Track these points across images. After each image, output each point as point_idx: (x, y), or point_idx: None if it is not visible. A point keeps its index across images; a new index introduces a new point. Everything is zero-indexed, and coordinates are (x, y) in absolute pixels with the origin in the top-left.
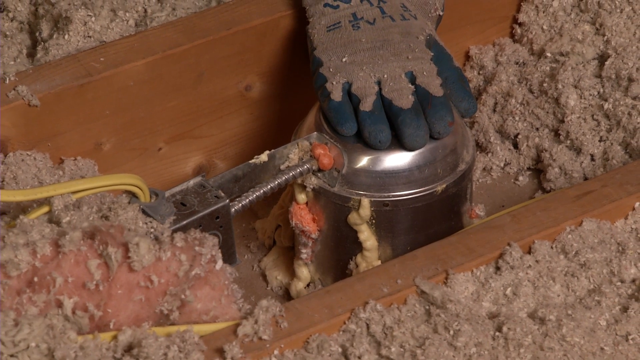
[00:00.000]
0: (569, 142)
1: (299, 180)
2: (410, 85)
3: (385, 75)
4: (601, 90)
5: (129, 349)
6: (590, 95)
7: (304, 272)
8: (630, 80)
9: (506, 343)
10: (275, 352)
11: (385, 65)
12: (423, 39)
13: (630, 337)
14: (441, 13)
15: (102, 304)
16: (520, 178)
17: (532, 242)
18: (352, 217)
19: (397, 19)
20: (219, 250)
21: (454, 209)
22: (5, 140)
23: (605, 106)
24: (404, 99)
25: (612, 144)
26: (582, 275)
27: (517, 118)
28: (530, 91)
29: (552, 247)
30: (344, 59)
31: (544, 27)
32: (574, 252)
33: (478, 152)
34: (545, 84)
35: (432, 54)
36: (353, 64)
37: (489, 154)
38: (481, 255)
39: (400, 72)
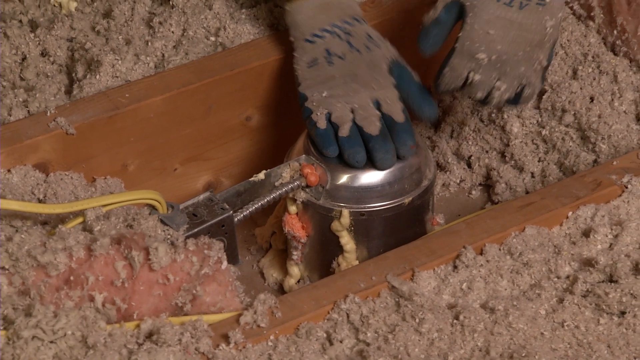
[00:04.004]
0: (513, 162)
1: (291, 195)
2: (377, 112)
3: (356, 105)
4: (540, 119)
5: (149, 335)
6: (531, 123)
7: (295, 271)
8: (564, 111)
9: (462, 329)
10: (271, 337)
11: (356, 96)
12: (386, 67)
13: (565, 324)
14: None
15: (127, 298)
16: (473, 192)
17: (483, 245)
18: (335, 225)
19: (363, 51)
20: (224, 253)
21: (419, 218)
22: (47, 163)
23: (543, 132)
24: (372, 126)
25: (548, 163)
26: (525, 273)
27: (470, 142)
28: (481, 120)
29: (500, 249)
30: (323, 94)
31: None
32: (518, 253)
33: (438, 171)
34: (493, 115)
35: (394, 80)
36: (331, 97)
37: (447, 172)
38: (441, 256)
39: (368, 102)
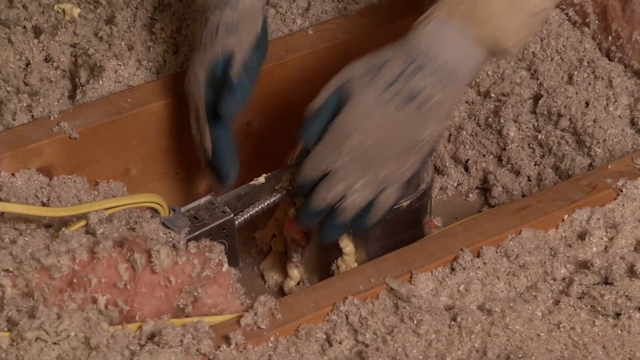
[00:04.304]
0: (509, 166)
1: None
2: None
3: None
4: (536, 123)
5: (151, 336)
6: (527, 127)
7: (295, 273)
8: (559, 115)
9: (460, 330)
10: (272, 338)
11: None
12: None
13: (561, 325)
14: None
15: (129, 300)
16: (470, 195)
17: (480, 247)
18: None
19: None
20: (225, 256)
21: (417, 221)
22: (51, 167)
23: (539, 137)
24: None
25: (544, 167)
26: (522, 275)
27: (467, 146)
28: (478, 125)
29: (496, 252)
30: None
31: (489, 72)
32: (514, 256)
33: (436, 175)
34: (490, 119)
35: None
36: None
37: (445, 176)
38: (439, 258)
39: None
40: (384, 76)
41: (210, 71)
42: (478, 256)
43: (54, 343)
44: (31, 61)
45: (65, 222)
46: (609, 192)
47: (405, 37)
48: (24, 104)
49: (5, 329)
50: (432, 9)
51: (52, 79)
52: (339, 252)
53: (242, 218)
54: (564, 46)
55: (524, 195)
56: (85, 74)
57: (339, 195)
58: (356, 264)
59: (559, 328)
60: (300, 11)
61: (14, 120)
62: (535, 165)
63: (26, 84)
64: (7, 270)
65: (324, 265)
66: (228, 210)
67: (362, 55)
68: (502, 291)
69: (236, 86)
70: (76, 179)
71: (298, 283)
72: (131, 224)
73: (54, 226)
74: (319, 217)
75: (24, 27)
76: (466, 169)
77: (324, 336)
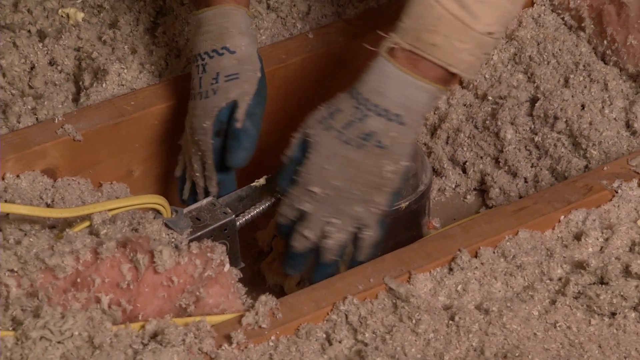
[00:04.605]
0: (506, 167)
1: None
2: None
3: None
4: (532, 126)
5: (154, 336)
6: (524, 130)
7: None
8: (556, 118)
9: (458, 330)
10: (272, 337)
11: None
12: None
13: (557, 325)
14: None
15: (132, 300)
16: (468, 197)
17: (478, 248)
18: None
19: None
20: (227, 256)
21: (416, 222)
22: (55, 169)
23: (536, 139)
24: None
25: (541, 169)
26: (519, 275)
27: (465, 149)
28: (476, 127)
29: (494, 252)
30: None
31: (486, 76)
32: (511, 256)
33: (434, 176)
34: (487, 121)
35: None
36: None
37: (443, 178)
38: (437, 259)
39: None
40: (339, 120)
41: (216, 120)
42: (476, 257)
43: (58, 342)
44: (36, 65)
45: (69, 223)
46: (605, 193)
47: (358, 80)
48: (29, 107)
49: (10, 328)
50: (383, 42)
51: (57, 82)
52: None
53: (244, 219)
54: (560, 50)
55: (520, 197)
56: (89, 77)
57: (318, 233)
58: None
59: (555, 327)
60: (300, 15)
61: (19, 122)
62: (532, 167)
63: (31, 87)
64: (12, 271)
65: None
66: (229, 211)
67: (346, 66)
68: (500, 291)
69: (242, 136)
70: (80, 181)
71: (298, 283)
72: (134, 225)
73: (58, 227)
74: (305, 260)
75: (29, 31)
76: (464, 170)
77: (324, 335)
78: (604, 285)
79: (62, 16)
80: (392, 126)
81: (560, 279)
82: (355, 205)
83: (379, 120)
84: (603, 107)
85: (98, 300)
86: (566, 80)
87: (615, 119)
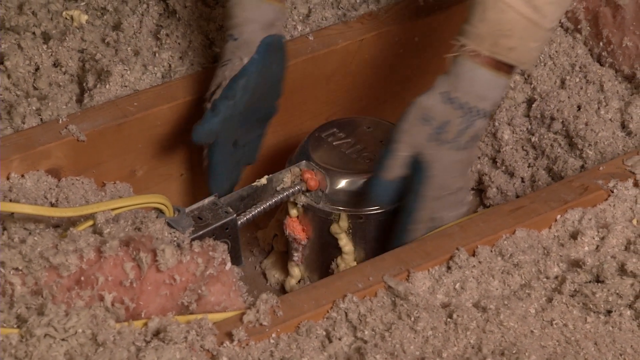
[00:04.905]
0: (504, 167)
1: (292, 199)
2: None
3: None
4: (529, 126)
5: (157, 333)
6: (521, 130)
7: (296, 271)
8: (552, 118)
9: (456, 327)
10: (273, 335)
11: None
12: None
13: (554, 322)
14: None
15: (135, 298)
16: None
17: (476, 247)
18: (334, 228)
19: None
20: (228, 255)
21: None
22: (59, 168)
23: (533, 139)
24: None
25: (538, 169)
26: (516, 273)
27: None
28: None
29: (491, 251)
30: None
31: None
32: (509, 255)
33: None
34: None
35: None
36: None
37: None
38: (435, 257)
39: None
40: (451, 133)
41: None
42: (473, 255)
43: (62, 339)
44: (40, 66)
45: (73, 222)
46: (601, 193)
47: (453, 88)
48: (33, 108)
49: (15, 326)
50: (460, 47)
51: (61, 84)
52: (339, 251)
53: (245, 218)
54: (556, 52)
55: (518, 196)
56: (93, 79)
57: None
58: (355, 263)
59: (551, 325)
60: (301, 17)
61: (24, 123)
62: (528, 167)
63: (35, 88)
64: (16, 269)
65: (324, 264)
66: (231, 210)
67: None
68: (497, 289)
69: (207, 115)
70: (84, 181)
71: (299, 281)
72: (137, 224)
73: (62, 226)
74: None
75: (33, 33)
76: None
77: (324, 333)
78: (599, 284)
79: (66, 18)
80: (486, 121)
81: (556, 277)
82: (463, 193)
83: (483, 121)
84: (599, 108)
85: (101, 298)
86: (562, 82)
87: (610, 119)
